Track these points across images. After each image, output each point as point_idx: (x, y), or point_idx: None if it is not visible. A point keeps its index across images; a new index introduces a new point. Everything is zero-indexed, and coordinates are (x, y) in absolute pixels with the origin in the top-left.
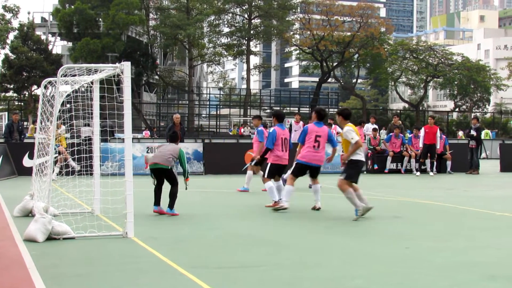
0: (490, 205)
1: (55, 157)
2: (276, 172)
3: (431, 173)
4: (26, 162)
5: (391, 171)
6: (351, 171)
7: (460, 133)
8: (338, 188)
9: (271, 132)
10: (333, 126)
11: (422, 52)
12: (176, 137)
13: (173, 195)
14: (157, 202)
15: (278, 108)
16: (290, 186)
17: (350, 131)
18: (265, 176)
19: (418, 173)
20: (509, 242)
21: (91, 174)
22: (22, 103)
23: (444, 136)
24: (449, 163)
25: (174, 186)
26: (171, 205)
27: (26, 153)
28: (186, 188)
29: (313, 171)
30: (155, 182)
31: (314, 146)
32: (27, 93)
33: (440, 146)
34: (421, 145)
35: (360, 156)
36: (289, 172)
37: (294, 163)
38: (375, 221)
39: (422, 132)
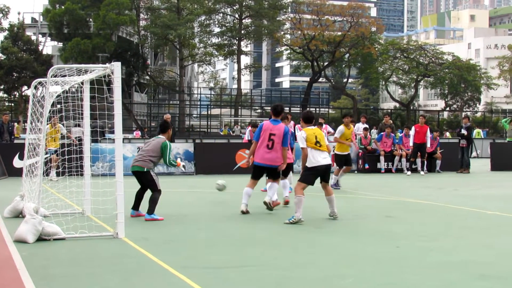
0: (481, 204)
1: (46, 158)
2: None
3: (422, 172)
4: (17, 162)
5: (387, 171)
6: (305, 174)
7: (447, 133)
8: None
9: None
10: (324, 125)
11: (412, 52)
12: (165, 127)
13: (152, 201)
14: (135, 206)
15: (269, 108)
16: (248, 188)
17: (301, 138)
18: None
19: (409, 173)
20: (500, 241)
21: (82, 175)
22: (12, 104)
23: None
24: (438, 162)
25: (155, 192)
26: (149, 210)
27: (16, 153)
28: (184, 168)
29: (269, 172)
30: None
31: (267, 145)
32: (17, 93)
33: (432, 146)
34: (411, 144)
35: (314, 162)
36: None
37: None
38: (365, 220)
39: (412, 131)
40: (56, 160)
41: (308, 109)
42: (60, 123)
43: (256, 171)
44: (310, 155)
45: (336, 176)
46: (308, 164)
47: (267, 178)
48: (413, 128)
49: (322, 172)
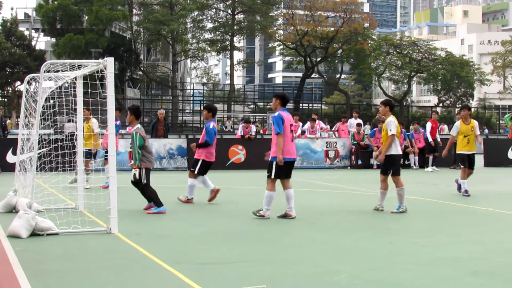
0: (474, 201)
1: (39, 153)
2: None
3: (429, 169)
4: (10, 158)
5: (379, 166)
6: (396, 166)
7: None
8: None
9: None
10: (317, 121)
11: (405, 47)
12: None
13: (148, 197)
14: None
15: (262, 104)
16: (272, 192)
17: (391, 122)
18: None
19: (433, 168)
20: (493, 237)
21: (75, 170)
22: (5, 99)
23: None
24: (431, 158)
25: (145, 188)
26: (157, 203)
27: (9, 149)
28: (133, 180)
29: (291, 168)
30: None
31: (291, 138)
32: (10, 89)
33: (421, 141)
34: (430, 140)
35: (397, 150)
36: None
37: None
38: (359, 216)
39: (428, 127)
40: (87, 164)
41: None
42: (94, 117)
43: (285, 168)
44: (394, 143)
45: (463, 179)
46: (393, 152)
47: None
48: (429, 123)
49: (399, 161)
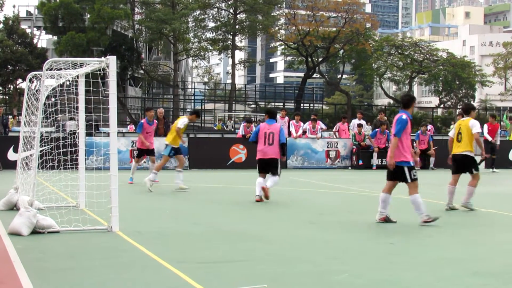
0: (475, 202)
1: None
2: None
3: (496, 170)
4: (11, 155)
5: (378, 167)
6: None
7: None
8: None
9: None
10: (317, 121)
11: (407, 48)
12: None
13: None
14: None
15: (263, 104)
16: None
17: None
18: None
19: (497, 170)
20: (494, 238)
21: (76, 168)
22: (6, 97)
23: (429, 133)
24: (432, 159)
25: None
26: None
27: (11, 146)
28: None
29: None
30: None
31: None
32: (12, 86)
33: (425, 142)
34: (490, 139)
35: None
36: None
37: None
38: (360, 216)
39: (485, 129)
40: (154, 160)
41: (466, 101)
42: (182, 116)
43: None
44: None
45: None
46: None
47: None
48: (486, 126)
49: (458, 162)
